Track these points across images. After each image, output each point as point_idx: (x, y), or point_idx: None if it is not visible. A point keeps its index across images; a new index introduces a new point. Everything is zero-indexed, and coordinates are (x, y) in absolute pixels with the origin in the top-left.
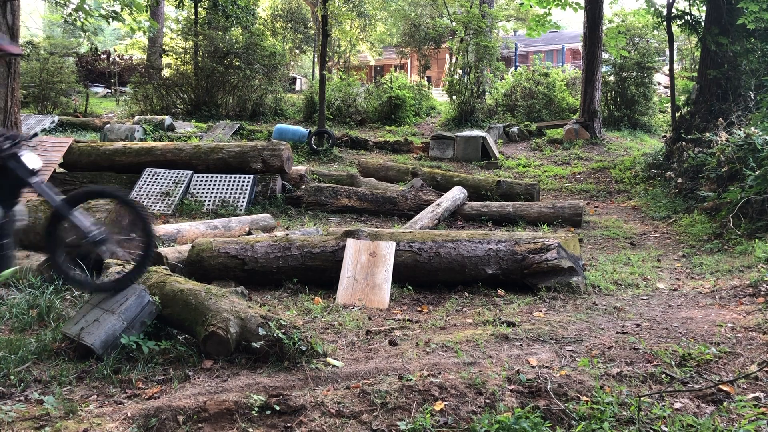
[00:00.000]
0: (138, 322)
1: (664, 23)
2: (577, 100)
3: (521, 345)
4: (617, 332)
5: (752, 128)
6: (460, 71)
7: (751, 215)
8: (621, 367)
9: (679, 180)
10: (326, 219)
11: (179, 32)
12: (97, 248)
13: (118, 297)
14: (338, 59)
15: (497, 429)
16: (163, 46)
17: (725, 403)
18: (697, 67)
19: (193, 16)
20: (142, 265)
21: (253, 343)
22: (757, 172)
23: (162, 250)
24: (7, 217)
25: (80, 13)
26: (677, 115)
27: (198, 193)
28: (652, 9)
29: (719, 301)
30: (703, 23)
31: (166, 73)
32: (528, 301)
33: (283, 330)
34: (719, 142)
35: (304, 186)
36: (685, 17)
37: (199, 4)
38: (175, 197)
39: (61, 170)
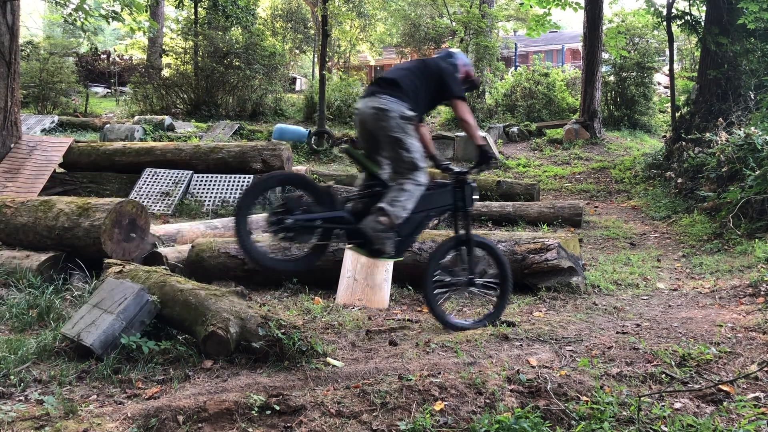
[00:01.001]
0: (137, 322)
1: (664, 23)
2: (577, 100)
3: (521, 345)
4: (617, 332)
5: (752, 128)
6: None
7: (751, 215)
8: (621, 367)
9: (679, 180)
10: None
11: (179, 32)
12: (466, 288)
13: (117, 297)
14: (338, 59)
15: (497, 429)
16: (163, 46)
17: (725, 403)
18: (697, 67)
19: (193, 16)
20: (502, 304)
21: (253, 343)
22: (757, 172)
23: (162, 250)
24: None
25: (80, 13)
26: (677, 115)
27: (198, 193)
28: (652, 9)
29: (719, 301)
30: (703, 23)
31: (166, 73)
32: (528, 301)
33: (283, 330)
34: (719, 142)
35: None
36: (685, 17)
37: (199, 4)
38: (175, 197)
39: (61, 170)
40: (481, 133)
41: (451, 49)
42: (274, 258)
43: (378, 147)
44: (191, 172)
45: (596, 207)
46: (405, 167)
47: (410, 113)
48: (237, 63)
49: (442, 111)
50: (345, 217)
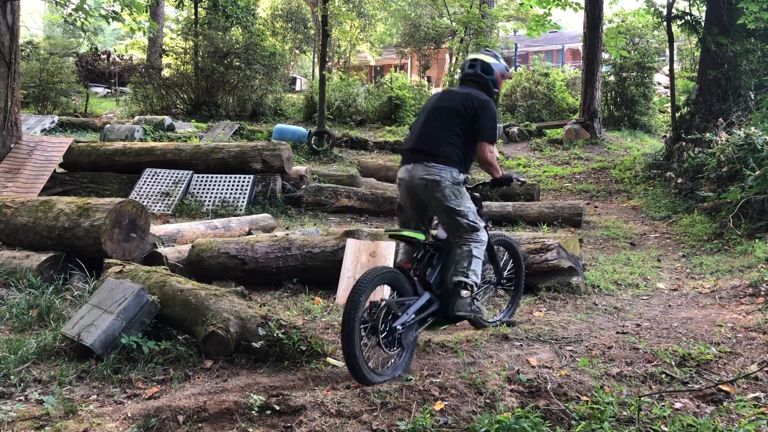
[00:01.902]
0: (137, 322)
1: (664, 23)
2: (577, 100)
3: (521, 345)
4: (617, 332)
5: (752, 128)
6: (460, 71)
7: (751, 215)
8: (621, 367)
9: (679, 180)
10: (326, 219)
11: (179, 32)
12: (495, 288)
13: (117, 297)
14: (338, 59)
15: (497, 429)
16: (163, 46)
17: (725, 403)
18: (697, 67)
19: (193, 16)
20: (517, 300)
21: (253, 343)
22: (757, 172)
23: (162, 250)
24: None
25: (80, 13)
26: (677, 115)
27: (198, 193)
28: (652, 9)
29: (719, 301)
30: (703, 23)
31: (166, 73)
32: (528, 301)
33: (283, 330)
34: (719, 142)
35: (304, 186)
36: (685, 17)
37: (199, 4)
38: (175, 197)
39: (61, 170)
40: None
41: (486, 59)
42: (385, 375)
43: (427, 212)
44: (191, 172)
45: (596, 207)
46: (464, 231)
47: (462, 176)
48: (237, 63)
49: None
50: (433, 299)
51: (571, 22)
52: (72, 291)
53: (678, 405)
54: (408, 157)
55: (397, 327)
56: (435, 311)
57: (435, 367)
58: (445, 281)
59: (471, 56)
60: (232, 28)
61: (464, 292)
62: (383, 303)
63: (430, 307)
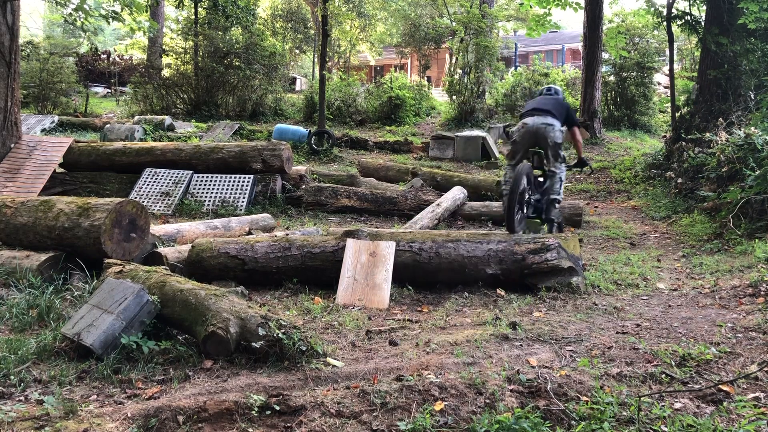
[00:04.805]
0: (137, 322)
1: (664, 23)
2: (577, 100)
3: (521, 345)
4: (617, 332)
5: (752, 128)
6: (460, 71)
7: (751, 215)
8: (621, 367)
9: (679, 180)
10: (326, 219)
11: (179, 32)
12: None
13: (117, 297)
14: (338, 59)
15: (497, 429)
16: (163, 46)
17: (725, 403)
18: (697, 67)
19: (193, 16)
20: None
21: (253, 343)
22: (757, 172)
23: (162, 250)
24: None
25: (80, 13)
26: (677, 115)
27: (198, 193)
28: (652, 9)
29: (719, 301)
30: (703, 23)
31: (166, 73)
32: (528, 301)
33: (283, 330)
34: (719, 142)
35: (304, 186)
36: (685, 17)
37: (199, 4)
38: (175, 197)
39: (61, 170)
40: (481, 133)
41: (556, 86)
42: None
43: (531, 147)
44: (191, 172)
45: (596, 207)
46: (560, 160)
47: (563, 128)
48: (237, 63)
49: (443, 111)
50: (538, 201)
51: (571, 22)
52: (72, 291)
53: (678, 405)
54: (532, 112)
55: (532, 200)
56: (537, 209)
57: (435, 367)
58: (544, 195)
59: (546, 85)
60: (232, 28)
61: (556, 205)
62: (527, 188)
63: (537, 204)
